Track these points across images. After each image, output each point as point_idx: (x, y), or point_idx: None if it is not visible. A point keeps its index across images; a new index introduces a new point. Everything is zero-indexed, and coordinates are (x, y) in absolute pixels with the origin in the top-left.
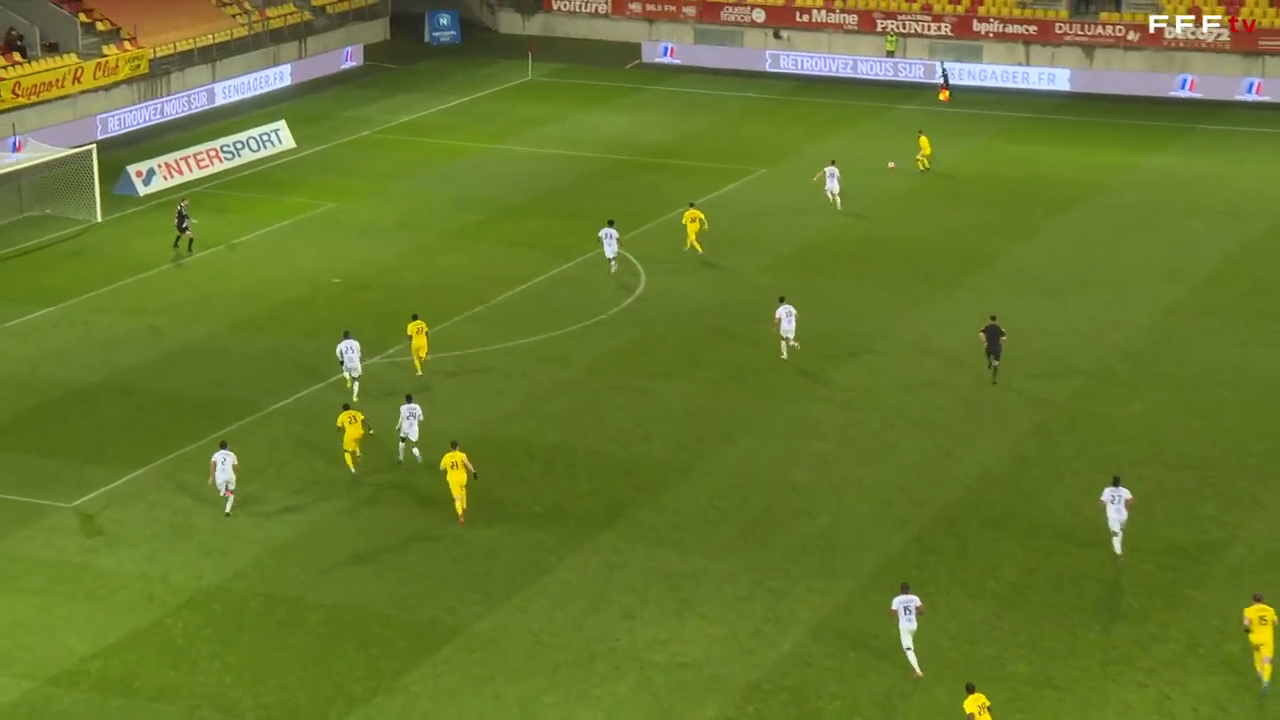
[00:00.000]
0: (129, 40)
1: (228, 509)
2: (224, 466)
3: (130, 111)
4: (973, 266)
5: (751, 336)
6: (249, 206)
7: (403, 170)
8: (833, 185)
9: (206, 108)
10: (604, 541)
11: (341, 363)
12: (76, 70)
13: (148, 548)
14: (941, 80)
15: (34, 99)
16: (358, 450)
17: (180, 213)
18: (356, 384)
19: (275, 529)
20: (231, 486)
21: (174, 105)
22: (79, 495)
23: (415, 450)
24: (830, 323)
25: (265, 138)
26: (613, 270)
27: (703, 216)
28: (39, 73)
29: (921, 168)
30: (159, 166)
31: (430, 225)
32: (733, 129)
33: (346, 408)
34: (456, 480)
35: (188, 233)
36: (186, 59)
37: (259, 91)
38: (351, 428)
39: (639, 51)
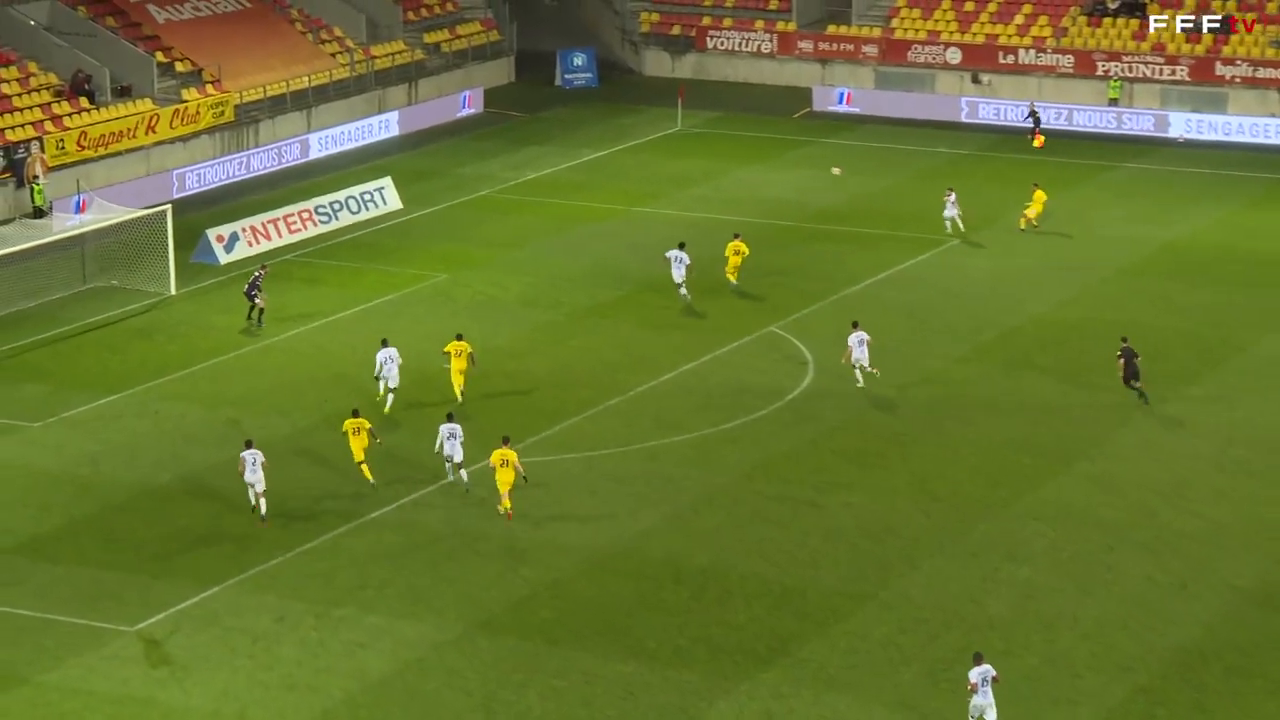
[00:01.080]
0: (212, 83)
1: (263, 511)
2: (254, 466)
3: (212, 166)
4: (1213, 359)
5: (942, 438)
6: (347, 278)
7: (528, 236)
8: (951, 212)
9: (299, 162)
10: (763, 683)
11: (377, 375)
12: (151, 118)
13: (222, 680)
14: (1031, 123)
15: (102, 151)
16: (365, 461)
17: (254, 280)
18: (392, 396)
19: (372, 660)
20: (261, 488)
21: (262, 159)
22: (144, 617)
23: (462, 472)
24: (1038, 425)
25: (367, 198)
26: (683, 297)
27: (745, 250)
28: (109, 121)
29: (1024, 225)
30: (243, 231)
31: (560, 301)
32: (921, 190)
33: (355, 414)
34: (505, 480)
35: (258, 302)
36: (277, 105)
37: (361, 143)
38: (356, 439)
39: (809, 98)
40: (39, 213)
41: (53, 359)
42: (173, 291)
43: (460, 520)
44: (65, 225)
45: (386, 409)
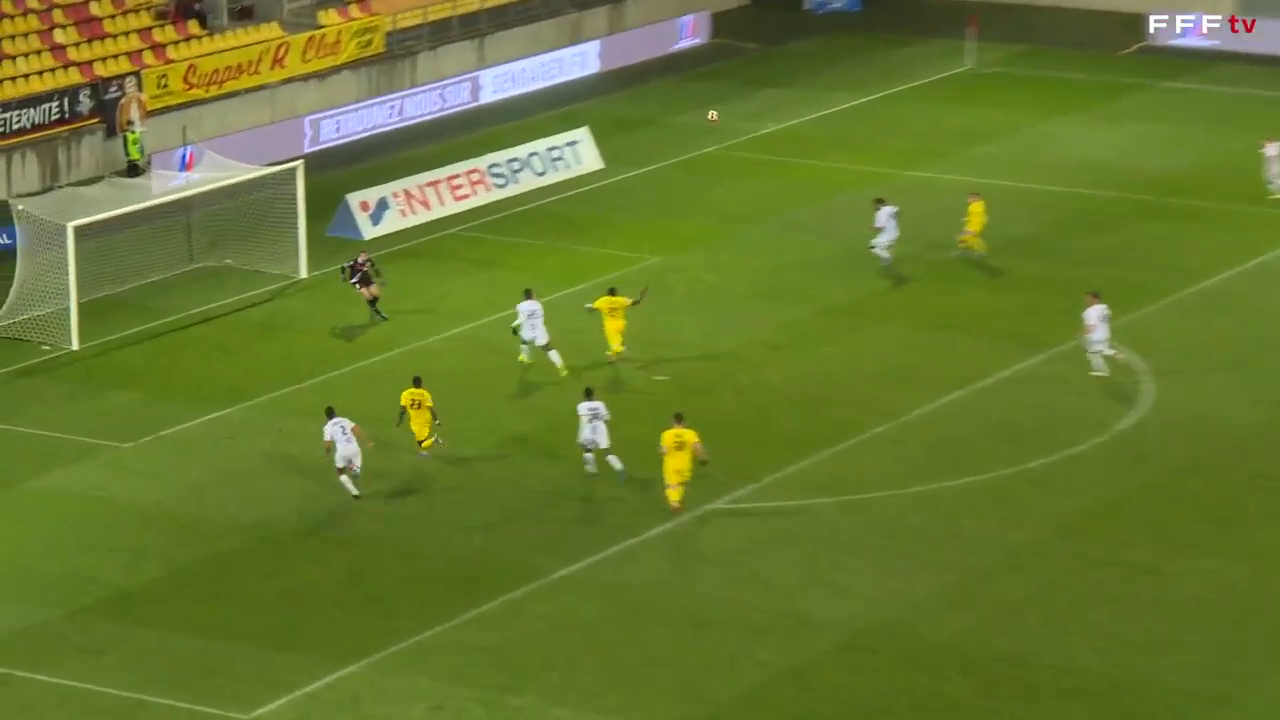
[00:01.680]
0: (357, 3)
1: (355, 490)
2: (345, 439)
3: (355, 111)
4: None
5: None
6: (529, 259)
7: (766, 207)
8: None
9: (468, 106)
10: None
11: (517, 330)
12: (279, 48)
13: None
14: None
15: (216, 90)
16: (427, 440)
17: (356, 265)
18: (557, 356)
19: None
20: (357, 462)
21: (420, 103)
22: (261, 701)
23: (612, 459)
24: None
25: (556, 155)
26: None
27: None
28: (224, 51)
29: (967, 246)
30: (395, 196)
31: (807, 294)
32: None
33: (417, 383)
34: (678, 467)
35: (370, 291)
36: (440, 33)
37: (549, 83)
38: (417, 416)
39: (1143, 27)
40: (133, 169)
41: (148, 360)
42: (303, 274)
43: (676, 580)
44: (167, 186)
45: (522, 358)
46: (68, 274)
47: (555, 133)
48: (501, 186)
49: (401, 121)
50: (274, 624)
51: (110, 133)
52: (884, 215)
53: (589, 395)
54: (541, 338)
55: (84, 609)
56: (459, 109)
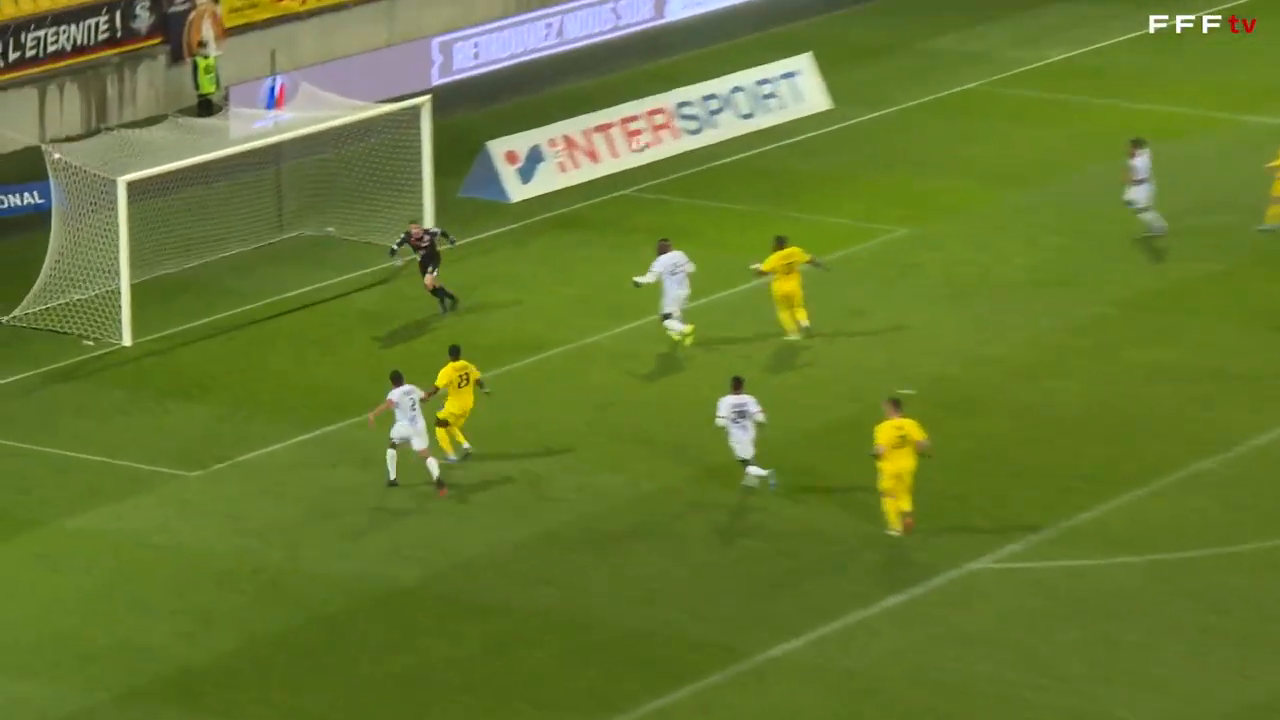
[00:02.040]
0: None
1: (435, 475)
2: (410, 417)
3: (497, 32)
4: None
5: None
6: (731, 228)
7: (1050, 163)
8: None
9: (649, 25)
10: None
11: (664, 278)
12: None
13: None
14: None
15: (314, 3)
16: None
17: (418, 243)
18: (674, 323)
19: None
20: (419, 444)
21: (586, 20)
22: None
23: (751, 471)
24: None
25: (767, 91)
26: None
27: None
28: None
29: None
30: (551, 144)
31: (1105, 280)
32: None
33: (455, 354)
34: (900, 471)
35: (433, 276)
36: None
37: None
38: (458, 396)
39: None
40: (206, 105)
41: (222, 361)
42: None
43: (924, 664)
44: (249, 129)
45: (688, 338)
46: (118, 246)
47: (767, 61)
48: (695, 133)
49: (560, 45)
50: (387, 715)
51: (175, 58)
52: (1142, 162)
53: (737, 386)
54: (672, 303)
55: (137, 692)
56: (638, 28)
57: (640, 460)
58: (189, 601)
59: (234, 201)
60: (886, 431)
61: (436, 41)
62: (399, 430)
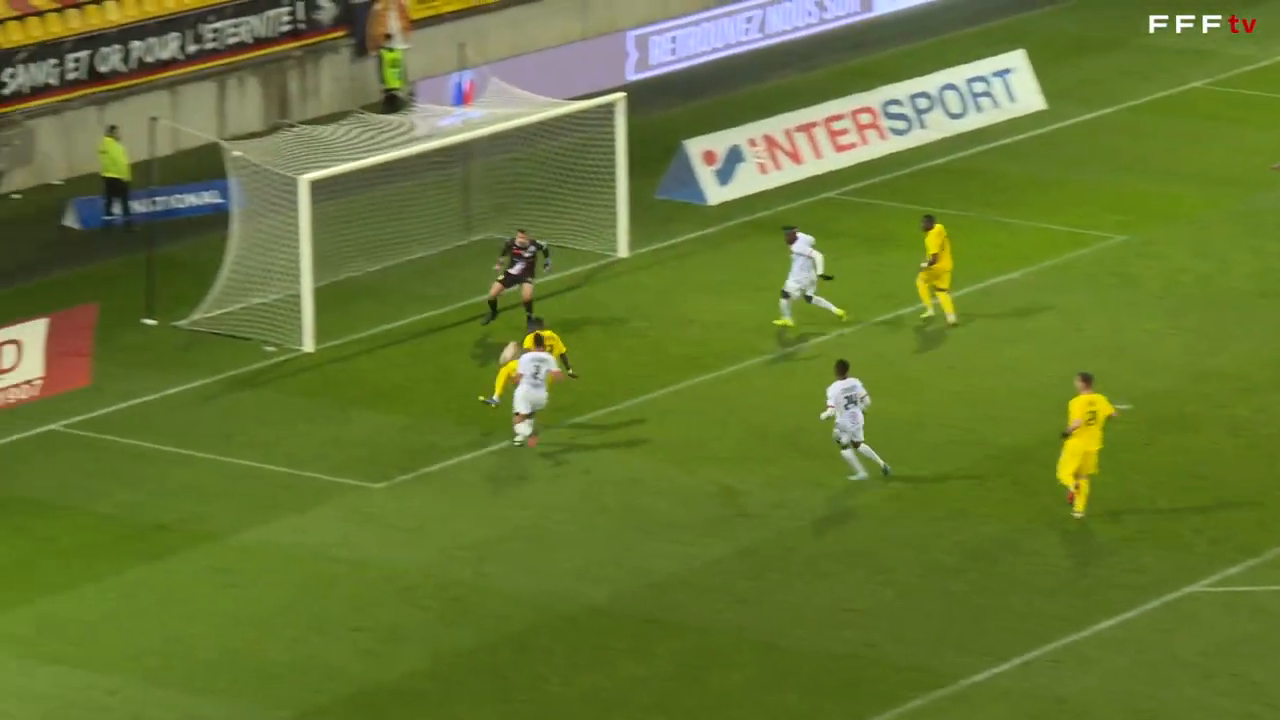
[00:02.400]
0: None
1: (517, 439)
2: (536, 383)
3: (698, 25)
4: None
5: None
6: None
7: None
8: None
9: (856, 19)
10: None
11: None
12: None
13: None
14: None
15: None
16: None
17: (519, 252)
18: (822, 300)
19: None
20: (528, 409)
21: (789, 13)
22: None
23: (868, 452)
24: None
25: (980, 89)
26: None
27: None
28: None
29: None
30: (752, 145)
31: None
32: None
33: (538, 323)
34: (1086, 447)
35: (529, 287)
36: None
37: None
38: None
39: None
40: (392, 102)
41: (407, 369)
42: (622, 252)
43: (1137, 693)
44: (437, 126)
45: (841, 314)
46: (299, 248)
47: (980, 57)
48: (902, 133)
49: (762, 40)
50: None
51: (360, 51)
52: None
53: (842, 370)
54: (796, 285)
55: (317, 711)
56: (843, 22)
57: (840, 476)
58: (372, 618)
59: (419, 202)
60: (1080, 406)
61: (632, 35)
62: (525, 397)
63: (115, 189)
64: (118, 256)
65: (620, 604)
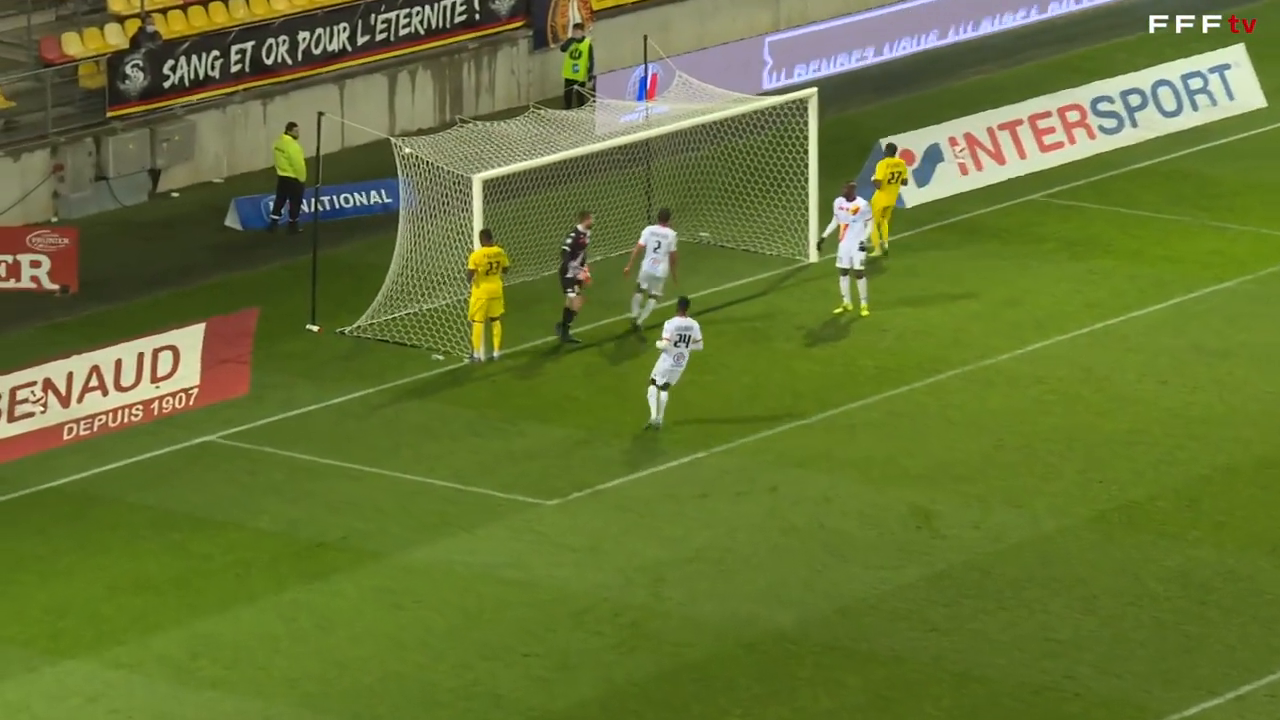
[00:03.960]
0: None
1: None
2: (656, 258)
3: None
4: None
5: None
6: (1151, 239)
7: None
8: None
9: (1062, 11)
10: None
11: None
12: None
13: None
14: None
15: None
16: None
17: (583, 242)
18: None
19: None
20: (657, 290)
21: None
22: None
23: (661, 401)
24: None
25: (1198, 86)
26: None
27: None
28: None
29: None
30: (952, 143)
31: None
32: None
33: (488, 239)
34: None
35: (572, 297)
36: None
37: None
38: (487, 285)
39: None
40: (571, 96)
41: (582, 380)
42: (813, 257)
43: None
44: (618, 123)
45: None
46: (471, 250)
47: (1197, 52)
48: (1113, 132)
49: (971, 32)
50: None
51: (539, 42)
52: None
53: (683, 309)
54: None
55: None
56: (1050, 15)
57: (1042, 496)
58: (543, 644)
59: (600, 203)
60: None
61: (824, 31)
62: (644, 273)
63: (288, 189)
64: (280, 259)
65: (807, 631)
